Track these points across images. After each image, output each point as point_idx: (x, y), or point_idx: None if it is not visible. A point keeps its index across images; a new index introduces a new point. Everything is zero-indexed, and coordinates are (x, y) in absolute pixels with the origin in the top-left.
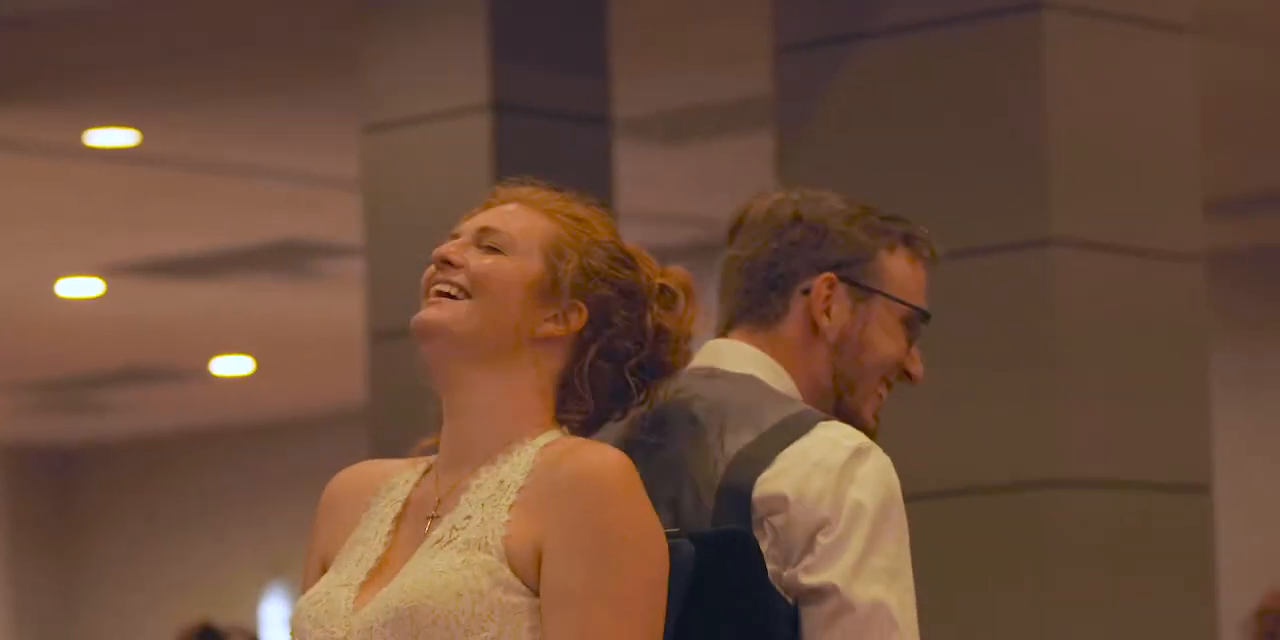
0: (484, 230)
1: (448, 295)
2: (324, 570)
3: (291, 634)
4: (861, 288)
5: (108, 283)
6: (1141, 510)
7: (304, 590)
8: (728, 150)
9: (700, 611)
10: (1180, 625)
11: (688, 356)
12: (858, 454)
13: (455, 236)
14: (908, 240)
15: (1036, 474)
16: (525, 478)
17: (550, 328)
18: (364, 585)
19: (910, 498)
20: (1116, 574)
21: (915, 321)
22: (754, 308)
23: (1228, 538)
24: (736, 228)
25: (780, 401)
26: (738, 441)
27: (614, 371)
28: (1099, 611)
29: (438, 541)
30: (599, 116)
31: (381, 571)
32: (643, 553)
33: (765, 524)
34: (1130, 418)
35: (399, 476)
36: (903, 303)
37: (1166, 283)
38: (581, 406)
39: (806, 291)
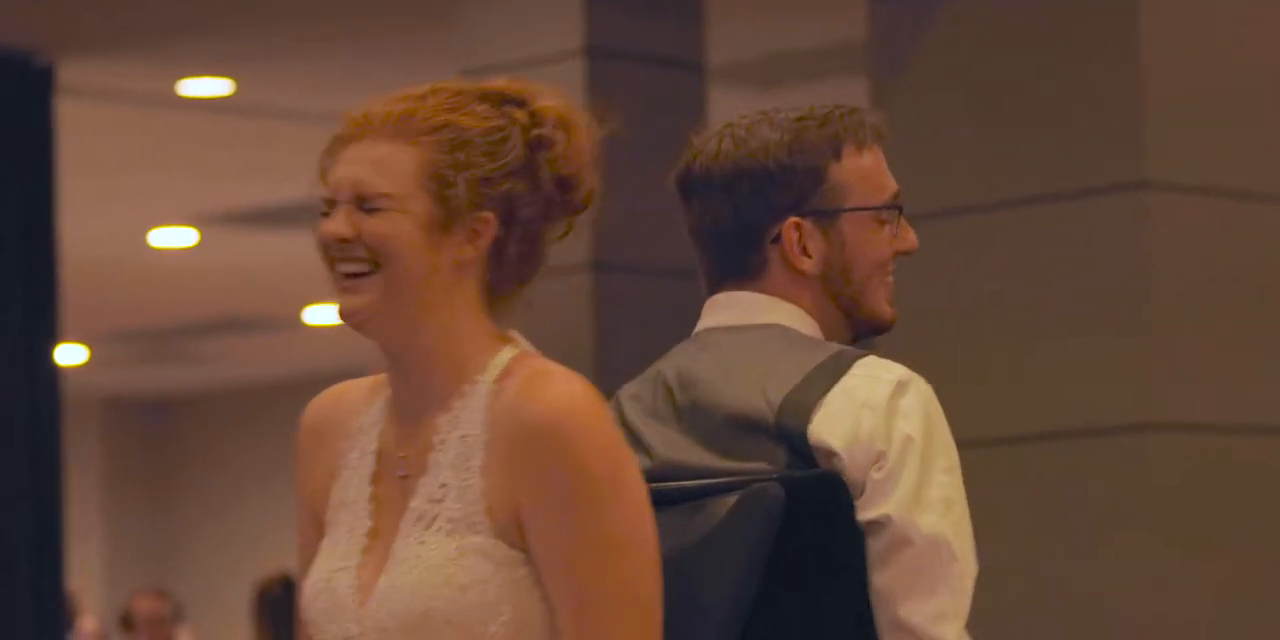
0: (360, 196)
1: (356, 274)
2: (316, 526)
3: (308, 623)
4: (826, 214)
5: (201, 232)
6: (1238, 453)
7: (301, 550)
8: (821, 96)
9: (791, 553)
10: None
11: (594, 184)
12: (899, 388)
13: (329, 202)
14: (851, 136)
15: (1133, 417)
16: (486, 431)
17: (467, 251)
18: (360, 567)
19: (1005, 441)
20: (1214, 518)
21: (891, 211)
22: (733, 269)
23: None
24: (684, 183)
25: (813, 345)
26: (782, 388)
27: (533, 246)
28: (1197, 557)
29: (419, 519)
30: (692, 62)
31: (373, 547)
32: (619, 493)
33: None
34: (1227, 360)
35: (366, 417)
36: (868, 209)
37: (1263, 225)
38: (521, 295)
39: (776, 239)
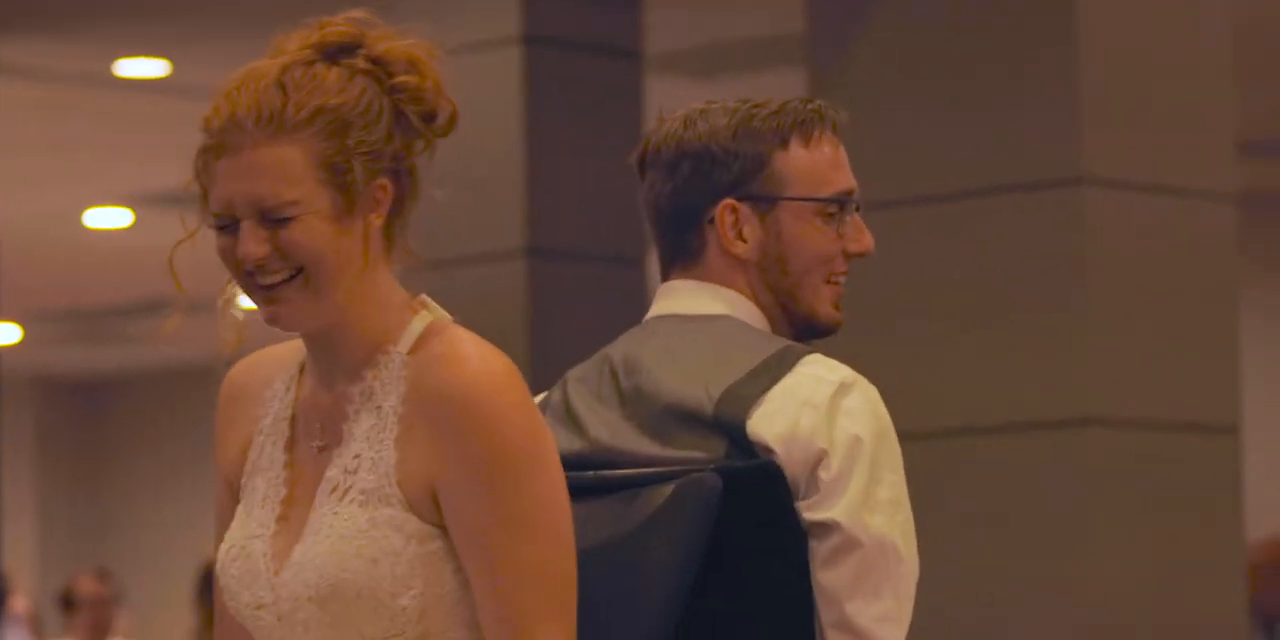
0: (264, 210)
1: (278, 283)
2: (231, 494)
3: (223, 589)
4: (763, 200)
5: (136, 213)
6: (1170, 450)
7: (218, 519)
8: (759, 86)
9: (728, 544)
10: (1207, 566)
11: (452, 107)
12: (843, 388)
13: (220, 214)
14: (800, 128)
15: (1065, 413)
16: (401, 403)
17: (371, 222)
18: (275, 536)
19: (938, 435)
20: (1144, 513)
21: (836, 207)
22: (676, 251)
23: (1256, 479)
24: (639, 162)
25: (761, 339)
26: (724, 381)
27: (412, 177)
28: (1125, 551)
29: (335, 488)
30: (630, 50)
31: (287, 514)
32: (534, 470)
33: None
34: (1159, 357)
35: (280, 383)
36: (807, 199)
37: (1198, 222)
38: (410, 254)
39: (713, 221)
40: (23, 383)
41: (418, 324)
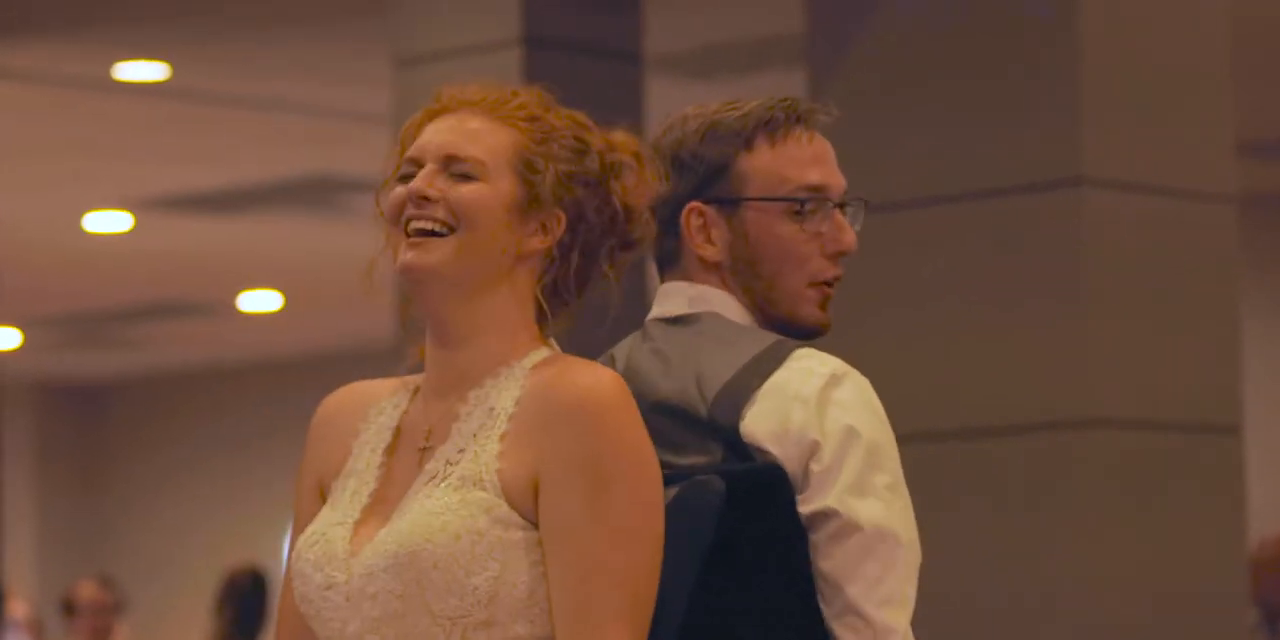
0: (450, 157)
1: (430, 232)
2: (321, 499)
3: (295, 577)
4: (726, 202)
5: (136, 217)
6: (1172, 450)
7: (297, 522)
8: (758, 87)
9: (732, 546)
10: (1210, 565)
11: (650, 227)
12: (833, 380)
13: (416, 162)
14: (764, 128)
15: (1068, 414)
16: (515, 404)
17: (534, 242)
18: (359, 524)
19: (941, 436)
20: (1146, 514)
21: (802, 205)
22: (661, 254)
23: (1258, 478)
24: None
25: (750, 336)
26: (717, 380)
27: (590, 263)
28: (1129, 552)
29: (432, 478)
30: (630, 52)
31: (376, 508)
32: (640, 475)
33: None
34: (1161, 358)
35: (387, 401)
36: (770, 199)
37: (1198, 223)
38: (567, 311)
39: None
40: (23, 387)
41: (543, 351)
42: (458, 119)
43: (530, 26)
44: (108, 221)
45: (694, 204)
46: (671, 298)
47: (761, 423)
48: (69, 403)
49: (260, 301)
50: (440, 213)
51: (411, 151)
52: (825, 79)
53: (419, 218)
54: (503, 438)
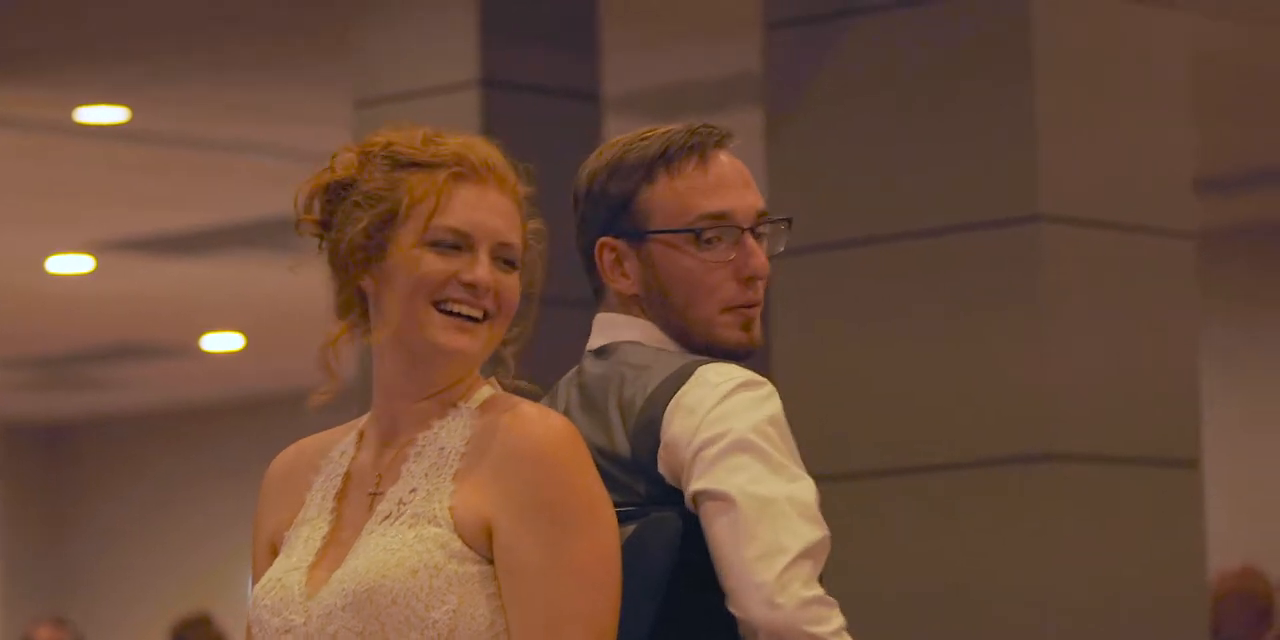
0: (504, 245)
1: (473, 318)
2: (274, 555)
3: (251, 624)
4: (632, 235)
5: (98, 259)
6: (1131, 485)
7: (255, 577)
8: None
9: (688, 582)
10: (1169, 598)
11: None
12: (735, 389)
13: (465, 238)
14: (663, 161)
15: (1027, 448)
16: (465, 444)
17: None
18: (313, 567)
19: (897, 472)
20: (1105, 546)
21: (704, 235)
22: (591, 287)
23: (1216, 511)
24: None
25: (666, 358)
26: (632, 412)
27: (530, 299)
28: (1088, 584)
29: (386, 517)
30: (589, 92)
31: (330, 551)
32: (595, 521)
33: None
34: (1119, 393)
35: (335, 449)
36: (672, 231)
37: (1157, 259)
38: (516, 348)
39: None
40: None
41: (486, 389)
42: (492, 196)
43: (488, 68)
44: (70, 264)
45: (604, 239)
46: (597, 329)
47: (672, 450)
48: (33, 443)
49: (222, 342)
50: (489, 301)
51: (461, 225)
52: (782, 118)
53: (472, 306)
54: (455, 476)
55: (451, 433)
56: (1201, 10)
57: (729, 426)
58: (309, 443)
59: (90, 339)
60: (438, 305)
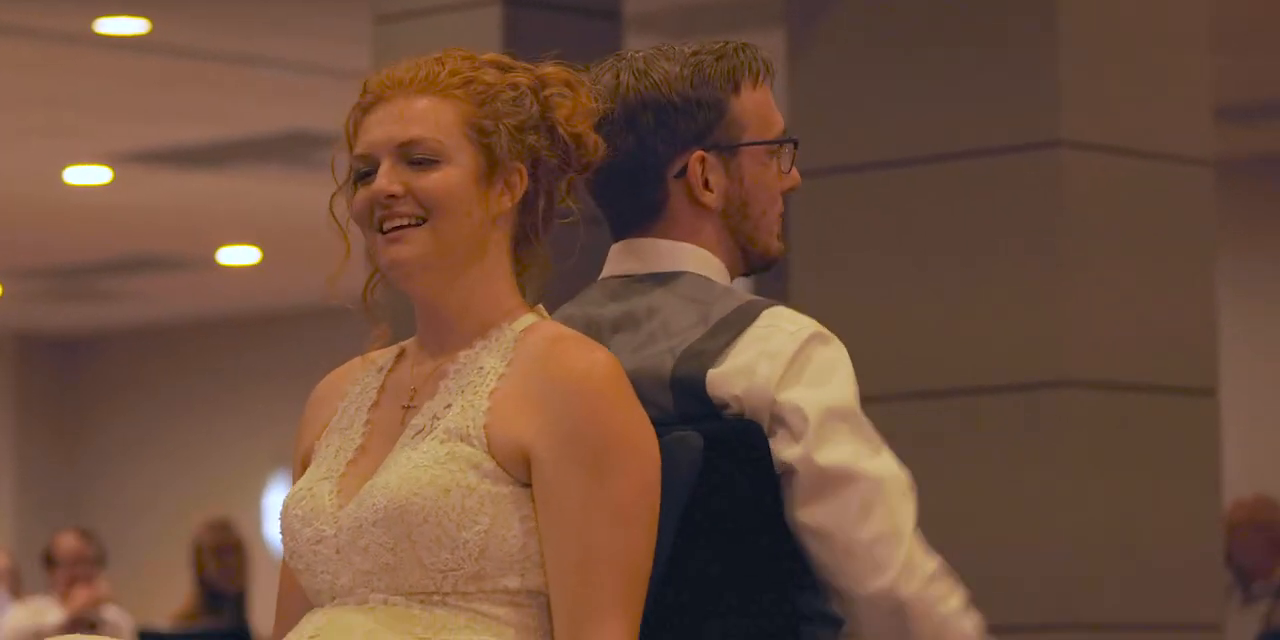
0: (404, 146)
1: (403, 226)
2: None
3: (281, 532)
4: (728, 149)
5: (115, 171)
6: (1147, 412)
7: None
8: None
9: (709, 503)
10: (1185, 528)
11: (600, 146)
12: (808, 342)
13: (369, 159)
14: (748, 71)
15: (1043, 374)
16: (505, 365)
17: (504, 202)
18: (343, 477)
19: (917, 395)
20: (1121, 475)
21: (785, 146)
22: (636, 209)
23: (1233, 440)
24: None
25: (720, 295)
26: (686, 339)
27: (551, 202)
28: (1104, 513)
29: (418, 432)
30: (610, 10)
31: (359, 461)
32: (638, 456)
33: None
34: (1137, 320)
35: (373, 367)
36: (765, 143)
37: (1175, 186)
38: (541, 261)
39: (679, 175)
40: (2, 339)
41: (531, 316)
42: (397, 105)
43: None
44: (87, 175)
45: (698, 152)
46: (646, 255)
47: (730, 378)
48: (49, 355)
49: (238, 256)
50: (410, 207)
51: (361, 149)
52: (804, 40)
53: (391, 217)
54: (491, 394)
55: (491, 353)
56: None
57: (823, 390)
58: (356, 362)
59: (106, 251)
60: (374, 223)
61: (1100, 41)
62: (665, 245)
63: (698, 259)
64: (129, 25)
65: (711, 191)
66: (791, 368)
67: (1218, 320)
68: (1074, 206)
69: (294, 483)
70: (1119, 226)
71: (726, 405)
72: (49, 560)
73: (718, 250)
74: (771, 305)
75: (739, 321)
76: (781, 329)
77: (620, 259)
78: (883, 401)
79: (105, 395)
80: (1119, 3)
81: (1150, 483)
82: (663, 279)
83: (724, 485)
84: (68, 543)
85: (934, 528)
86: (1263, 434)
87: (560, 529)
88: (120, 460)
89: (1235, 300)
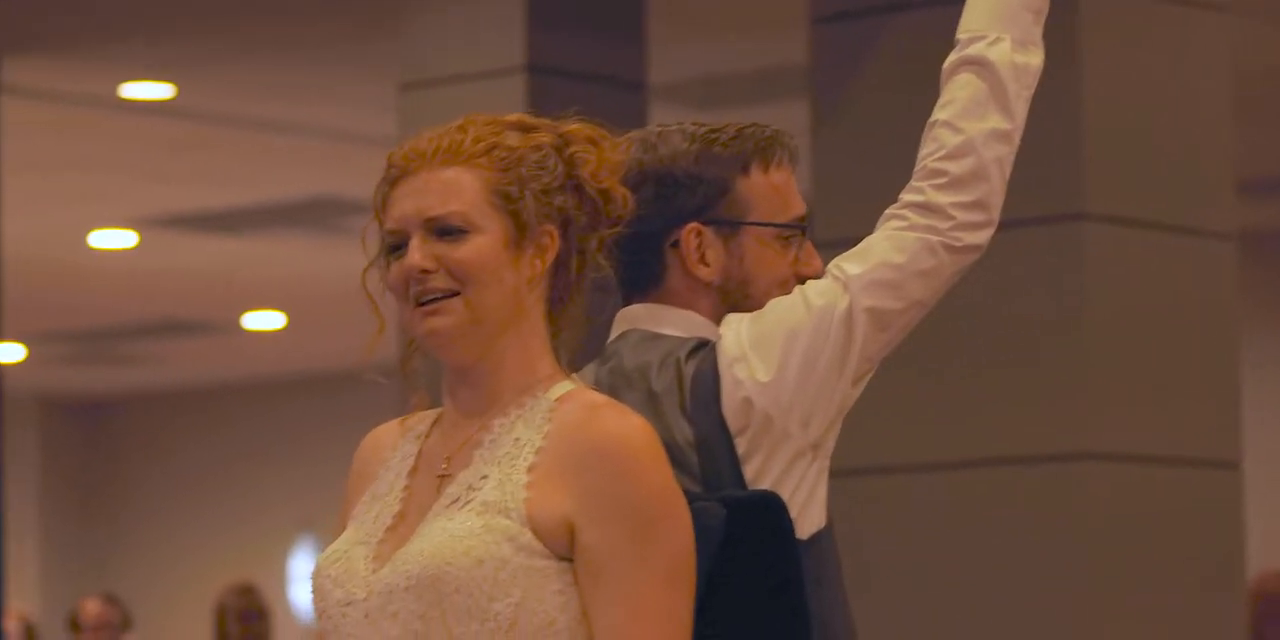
0: (432, 220)
1: (438, 298)
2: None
3: (313, 592)
4: (727, 224)
5: (141, 235)
6: (1171, 486)
7: None
8: (761, 117)
9: (730, 572)
10: (1207, 602)
11: (629, 199)
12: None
13: (400, 234)
14: (760, 154)
15: (1067, 447)
16: (543, 439)
17: (536, 266)
18: (380, 543)
19: (941, 467)
20: (1144, 548)
21: (793, 232)
22: (638, 275)
23: (1256, 515)
24: None
25: (671, 341)
26: (680, 388)
27: (585, 259)
28: (1125, 586)
29: (453, 502)
30: (634, 81)
31: (397, 529)
32: (679, 519)
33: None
34: (1161, 393)
35: (412, 432)
36: (770, 225)
37: (1199, 260)
38: (576, 322)
39: (675, 245)
40: (27, 402)
41: (567, 383)
42: (421, 179)
43: (535, 54)
44: (113, 239)
45: (693, 225)
46: (648, 318)
47: (744, 374)
48: (73, 418)
49: (263, 321)
50: (443, 281)
51: (390, 224)
52: (829, 110)
53: (425, 292)
54: (530, 469)
55: (528, 424)
56: (1249, 13)
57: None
58: (395, 422)
59: (131, 315)
60: (408, 297)
61: (1124, 115)
62: (666, 311)
63: (697, 326)
64: (155, 90)
65: (708, 266)
66: (752, 327)
67: (1241, 392)
68: (1097, 279)
69: (333, 540)
70: (1142, 299)
71: (751, 393)
72: (74, 625)
73: (715, 324)
74: (707, 337)
75: (707, 337)
76: (729, 329)
77: (619, 325)
78: (906, 472)
79: (129, 459)
80: (1142, 76)
81: (1173, 555)
82: (665, 339)
83: (745, 555)
84: (93, 607)
85: (955, 598)
86: None
87: (608, 591)
88: (144, 524)
89: (1258, 372)
